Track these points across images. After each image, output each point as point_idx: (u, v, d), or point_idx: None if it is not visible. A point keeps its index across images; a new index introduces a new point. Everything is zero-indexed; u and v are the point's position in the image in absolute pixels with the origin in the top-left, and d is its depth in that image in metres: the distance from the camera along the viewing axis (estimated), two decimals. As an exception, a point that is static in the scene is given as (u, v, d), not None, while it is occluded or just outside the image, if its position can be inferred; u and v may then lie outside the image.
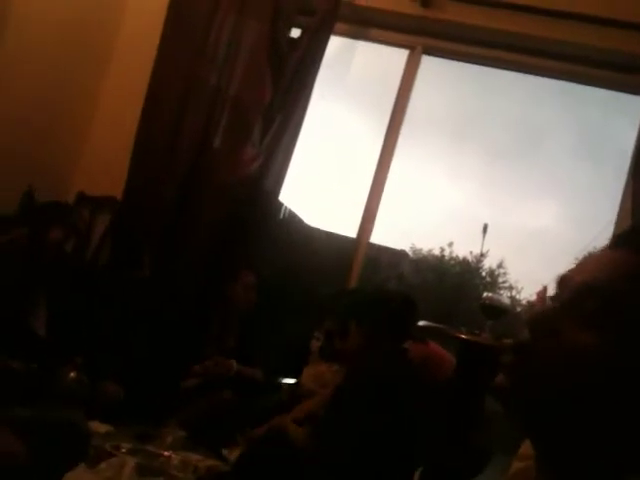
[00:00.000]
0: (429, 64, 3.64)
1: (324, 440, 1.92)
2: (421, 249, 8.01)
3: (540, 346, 0.66)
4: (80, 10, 3.26)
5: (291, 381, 2.94)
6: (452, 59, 3.70)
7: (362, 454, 1.81)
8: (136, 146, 3.42)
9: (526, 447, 0.77)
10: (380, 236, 3.80)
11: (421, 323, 1.95)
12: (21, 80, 2.94)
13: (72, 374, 2.48)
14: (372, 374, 1.98)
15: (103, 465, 1.52)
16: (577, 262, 0.75)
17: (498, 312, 1.98)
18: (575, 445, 0.64)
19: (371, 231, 3.53)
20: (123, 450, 1.80)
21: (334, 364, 2.86)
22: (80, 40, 3.30)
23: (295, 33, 3.53)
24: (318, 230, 4.45)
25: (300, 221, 4.27)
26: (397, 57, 3.61)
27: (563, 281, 0.70)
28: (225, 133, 3.43)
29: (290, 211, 3.99)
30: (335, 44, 3.58)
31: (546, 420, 0.66)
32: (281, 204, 3.72)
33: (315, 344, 3.07)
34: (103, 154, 3.49)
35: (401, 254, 6.56)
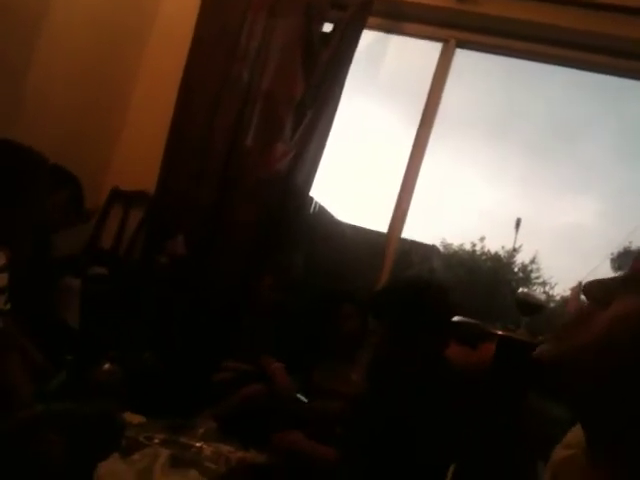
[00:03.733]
0: (463, 58, 3.59)
1: (349, 448, 1.91)
2: (452, 244, 7.93)
3: (593, 314, 0.63)
4: (114, 10, 3.30)
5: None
6: (486, 52, 3.64)
7: (391, 455, 1.79)
8: (169, 143, 3.46)
9: (574, 434, 0.74)
10: (411, 231, 3.76)
11: (455, 318, 1.92)
12: (56, 80, 2.99)
13: (106, 366, 2.52)
14: (403, 379, 1.96)
15: (136, 456, 1.54)
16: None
17: (534, 308, 1.94)
18: (632, 425, 0.61)
19: (402, 226, 3.51)
20: (156, 441, 1.83)
21: (345, 364, 2.86)
22: (113, 39, 3.34)
23: (327, 28, 3.53)
24: (349, 225, 4.43)
25: (331, 216, 4.25)
26: (430, 51, 3.58)
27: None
28: (257, 129, 3.44)
29: (320, 206, 3.97)
30: (367, 38, 3.56)
31: (599, 394, 0.63)
32: (312, 199, 3.71)
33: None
34: (137, 150, 3.54)
35: (432, 249, 6.51)
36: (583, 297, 0.71)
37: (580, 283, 2.87)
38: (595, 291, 0.66)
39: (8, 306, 1.89)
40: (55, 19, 2.87)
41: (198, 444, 1.87)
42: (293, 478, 1.95)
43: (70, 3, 2.95)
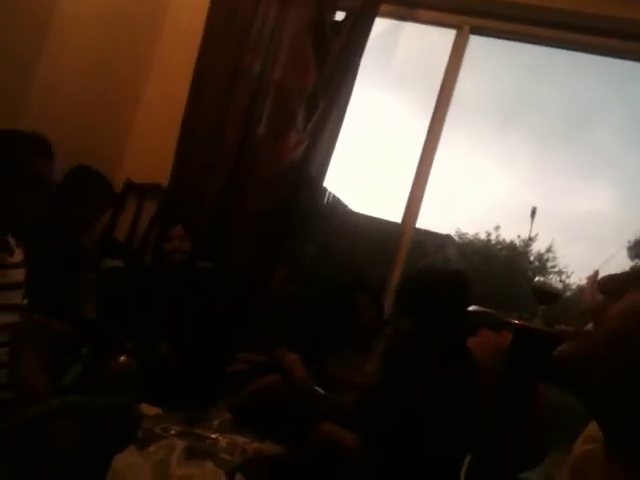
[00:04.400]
0: (477, 45, 3.55)
1: (364, 438, 1.90)
2: (467, 233, 7.90)
3: (610, 309, 0.63)
4: (125, 1, 3.29)
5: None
6: (500, 38, 3.59)
7: (408, 444, 1.79)
8: (181, 134, 3.45)
9: (592, 429, 0.74)
10: (425, 221, 3.74)
11: (471, 308, 1.91)
12: (67, 73, 2.99)
13: (122, 358, 2.53)
14: (418, 370, 1.96)
15: (152, 447, 1.54)
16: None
17: (550, 297, 1.92)
18: None
19: (416, 216, 3.49)
20: (172, 432, 1.83)
21: (360, 354, 2.85)
22: (125, 31, 3.33)
23: (339, 16, 3.50)
24: (363, 215, 4.42)
25: (344, 206, 4.24)
26: (444, 38, 3.54)
27: None
28: (269, 120, 3.42)
29: (334, 196, 3.96)
30: (380, 26, 3.53)
31: (613, 388, 0.62)
32: (325, 190, 3.69)
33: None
34: (149, 142, 3.54)
35: (447, 239, 6.48)
36: (598, 293, 0.71)
37: (597, 272, 2.84)
38: (609, 285, 0.66)
39: (25, 301, 1.90)
40: (66, 11, 2.87)
41: (214, 435, 1.88)
42: (317, 470, 1.95)
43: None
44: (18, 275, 1.87)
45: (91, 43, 3.09)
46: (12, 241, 1.86)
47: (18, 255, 1.88)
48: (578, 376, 0.66)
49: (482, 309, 1.87)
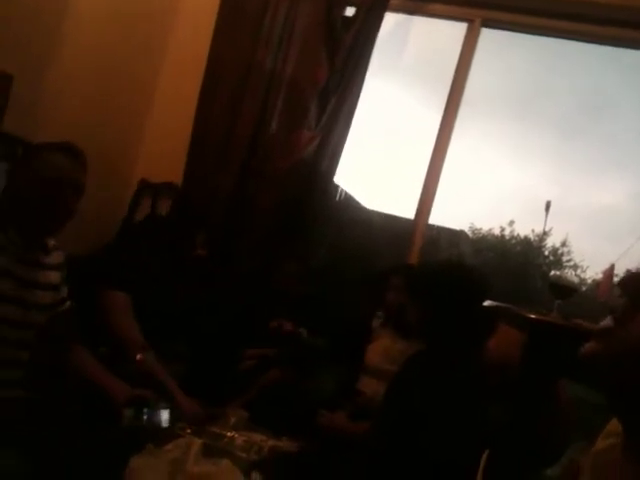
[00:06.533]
0: (489, 38, 3.52)
1: (381, 432, 1.90)
2: (480, 229, 7.85)
3: (632, 313, 0.63)
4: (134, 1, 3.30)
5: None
6: (512, 31, 3.57)
7: (424, 442, 1.78)
8: (194, 133, 3.46)
9: (613, 424, 0.74)
10: (438, 216, 3.72)
11: (487, 303, 1.90)
12: (80, 73, 3.00)
13: (139, 356, 2.53)
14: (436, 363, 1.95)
15: (169, 446, 1.55)
16: None
17: (567, 291, 1.90)
18: None
19: (429, 212, 3.47)
20: (189, 431, 1.84)
21: (399, 339, 2.84)
22: (136, 30, 3.34)
23: (350, 12, 3.49)
24: (376, 212, 4.40)
25: (357, 203, 4.23)
26: (455, 31, 3.52)
27: None
28: (281, 117, 3.42)
29: (346, 193, 3.95)
30: (390, 20, 3.52)
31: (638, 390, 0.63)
32: (337, 186, 3.69)
33: (377, 322, 3.05)
34: (163, 141, 3.55)
35: (460, 234, 6.45)
36: (616, 284, 0.70)
37: (612, 265, 2.81)
38: (631, 285, 0.66)
39: (67, 304, 2.00)
40: (79, 9, 2.87)
41: (230, 434, 1.88)
42: (327, 463, 1.95)
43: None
44: (51, 277, 1.90)
45: (101, 44, 3.10)
46: (51, 243, 1.90)
47: (55, 257, 1.92)
48: (604, 374, 0.67)
49: (498, 304, 1.86)
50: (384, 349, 2.88)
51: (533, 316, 1.58)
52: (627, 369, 0.65)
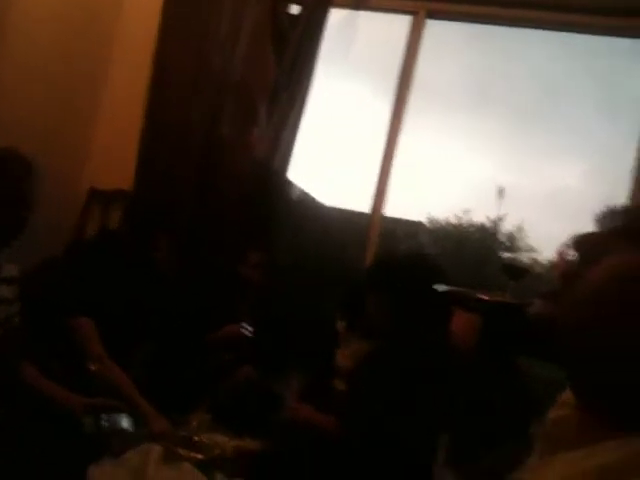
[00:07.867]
0: (436, 30, 3.55)
1: (347, 422, 1.91)
2: (438, 219, 7.94)
3: (584, 270, 0.63)
4: (79, 2, 3.22)
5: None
6: (457, 21, 3.61)
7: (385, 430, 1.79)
8: (143, 137, 3.40)
9: (567, 395, 0.74)
10: (395, 209, 3.74)
11: (441, 288, 1.92)
12: (23, 79, 2.92)
13: (93, 367, 2.48)
14: (396, 356, 1.96)
15: (128, 454, 1.52)
16: None
17: (520, 272, 1.94)
18: (627, 385, 0.60)
19: (384, 204, 3.49)
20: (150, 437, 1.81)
21: (365, 342, 2.84)
22: (80, 35, 3.26)
23: (296, 10, 3.49)
24: (332, 208, 4.40)
25: (312, 200, 4.22)
26: (401, 24, 3.54)
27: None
28: (233, 118, 3.39)
29: (302, 190, 3.94)
30: (336, 17, 3.52)
31: (593, 349, 0.62)
32: (291, 183, 3.68)
33: (341, 325, 3.04)
34: (112, 148, 3.48)
35: (418, 225, 6.51)
36: (572, 252, 0.70)
37: (565, 244, 2.87)
38: (585, 244, 0.66)
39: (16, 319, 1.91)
40: (19, 13, 2.80)
41: (191, 436, 1.86)
42: (290, 461, 1.94)
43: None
44: (4, 291, 1.85)
45: (45, 48, 3.02)
46: (3, 256, 1.84)
47: (7, 270, 1.86)
48: (556, 335, 0.66)
49: (452, 288, 1.88)
50: (353, 353, 2.88)
51: (485, 297, 1.61)
52: (585, 328, 0.64)
